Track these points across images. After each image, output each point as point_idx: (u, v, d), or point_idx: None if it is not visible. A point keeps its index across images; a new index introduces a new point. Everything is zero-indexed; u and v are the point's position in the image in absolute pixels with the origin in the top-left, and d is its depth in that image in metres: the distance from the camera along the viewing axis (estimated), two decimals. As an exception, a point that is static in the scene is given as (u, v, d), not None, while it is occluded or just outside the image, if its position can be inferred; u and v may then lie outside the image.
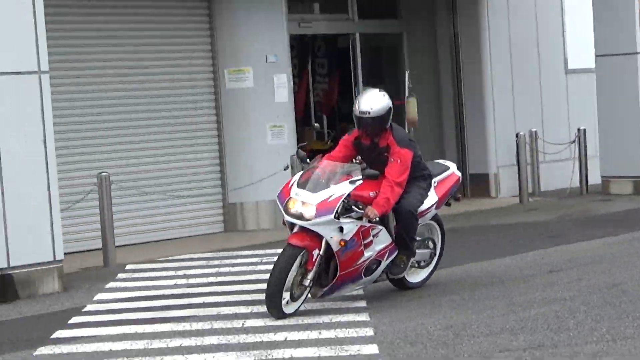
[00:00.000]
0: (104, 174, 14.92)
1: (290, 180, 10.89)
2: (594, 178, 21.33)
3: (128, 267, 14.49)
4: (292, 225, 10.65)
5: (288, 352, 8.99)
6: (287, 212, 10.54)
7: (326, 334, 9.85)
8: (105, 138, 16.79)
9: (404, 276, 11.74)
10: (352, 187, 10.50)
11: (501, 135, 21.51)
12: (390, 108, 11.00)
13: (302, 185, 10.62)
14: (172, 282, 13.56)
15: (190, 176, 18.00)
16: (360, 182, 10.54)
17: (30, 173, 12.82)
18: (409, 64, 21.79)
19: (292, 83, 19.13)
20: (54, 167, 13.14)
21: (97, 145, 16.64)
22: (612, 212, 18.03)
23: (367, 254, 10.87)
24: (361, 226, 10.66)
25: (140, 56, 17.44)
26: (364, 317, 10.67)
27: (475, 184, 21.70)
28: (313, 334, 9.92)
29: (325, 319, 10.58)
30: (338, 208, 10.34)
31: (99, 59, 16.85)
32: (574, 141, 21.63)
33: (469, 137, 21.75)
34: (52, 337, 10.52)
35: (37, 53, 12.95)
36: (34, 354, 9.82)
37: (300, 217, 10.43)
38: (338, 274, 10.60)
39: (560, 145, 21.84)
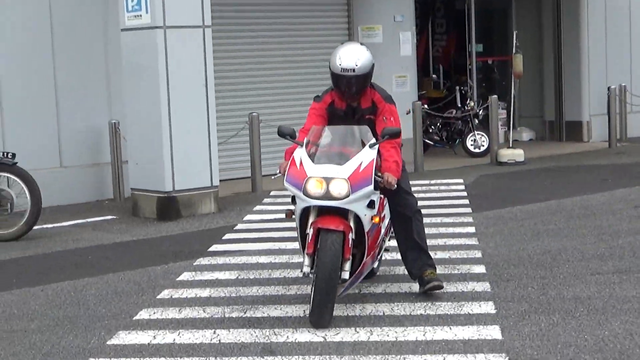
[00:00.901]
0: (254, 114, 14.90)
1: (288, 162, 7.60)
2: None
3: (272, 193, 14.47)
4: (305, 210, 7.40)
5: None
6: (309, 194, 7.22)
7: (440, 254, 9.68)
8: (255, 84, 16.74)
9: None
10: (375, 151, 7.50)
11: (594, 88, 21.05)
12: (373, 63, 7.87)
13: (318, 160, 7.43)
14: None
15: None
16: (376, 144, 7.54)
17: (193, 113, 12.85)
18: (517, 24, 21.39)
19: (415, 40, 18.87)
20: (213, 108, 13.17)
21: (248, 90, 16.60)
22: (691, 157, 17.47)
23: (383, 230, 8.13)
24: (381, 198, 7.85)
25: (286, 14, 17.29)
26: (473, 241, 10.49)
27: (570, 129, 21.27)
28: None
29: (440, 241, 10.41)
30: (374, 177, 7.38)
31: (252, 16, 16.76)
32: (658, 95, 21.11)
33: (566, 90, 21.30)
34: (209, 250, 10.58)
35: (202, 10, 12.95)
36: (194, 263, 9.88)
37: (330, 197, 7.21)
38: (365, 259, 7.57)
39: (646, 98, 21.38)
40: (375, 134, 7.68)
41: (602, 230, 10.77)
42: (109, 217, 13.20)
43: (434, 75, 22.70)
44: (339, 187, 7.20)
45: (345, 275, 7.22)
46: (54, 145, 14.35)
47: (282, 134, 7.64)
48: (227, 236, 11.41)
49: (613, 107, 19.78)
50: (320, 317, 7.06)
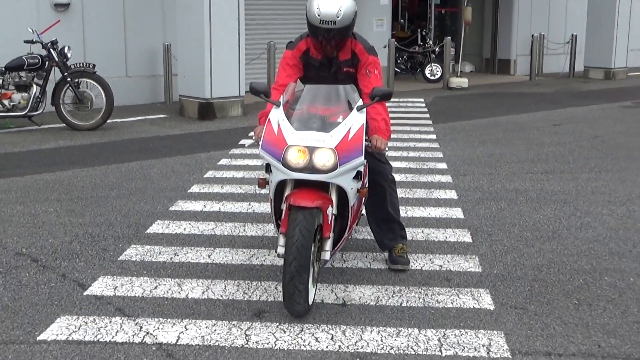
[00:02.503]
0: (271, 42, 14.53)
1: (263, 126, 4.87)
2: (579, 66, 20.49)
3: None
4: (281, 183, 4.74)
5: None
6: (289, 166, 4.54)
7: (412, 154, 9.54)
8: (275, 16, 16.18)
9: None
10: (364, 115, 4.79)
11: (520, 34, 20.87)
12: (356, 11, 5.08)
13: (300, 124, 4.69)
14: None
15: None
16: (364, 107, 4.81)
17: (227, 39, 12.50)
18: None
19: (390, -8, 18.40)
20: (243, 36, 12.80)
21: (269, 21, 16.06)
22: (590, 90, 17.26)
23: (364, 200, 5.39)
24: (365, 165, 5.06)
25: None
26: (435, 145, 10.33)
27: (501, 65, 21.13)
28: (396, 153, 9.63)
29: (411, 144, 10.25)
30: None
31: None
32: (568, 42, 20.80)
33: (499, 34, 21.13)
34: (239, 143, 10.37)
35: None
36: (229, 152, 9.69)
37: (313, 169, 4.53)
38: (346, 234, 4.93)
39: (558, 44, 21.04)
40: (358, 89, 5.12)
41: (530, 141, 10.61)
42: (162, 115, 12.93)
43: (401, 20, 22.42)
44: (325, 158, 4.54)
45: (326, 255, 4.63)
46: (122, 59, 14.01)
47: (255, 91, 4.84)
48: (251, 133, 11.17)
49: (535, 49, 19.48)
50: (293, 302, 4.45)
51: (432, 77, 18.57)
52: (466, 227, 6.44)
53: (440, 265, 5.49)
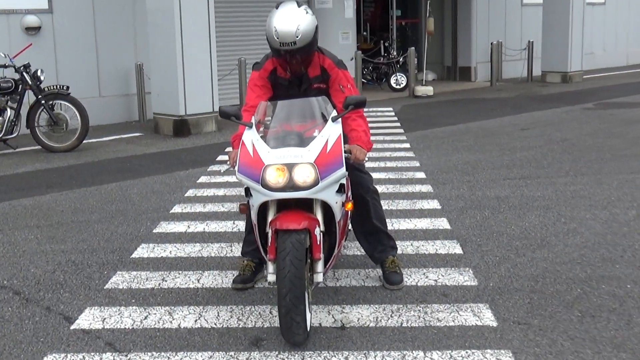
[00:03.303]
0: (241, 58, 14.14)
1: (237, 148, 4.45)
2: (536, 71, 20.37)
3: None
4: (263, 205, 4.28)
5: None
6: (269, 186, 4.13)
7: (390, 163, 9.21)
8: (244, 33, 15.77)
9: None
10: (340, 125, 4.40)
11: (479, 42, 20.64)
12: (316, 25, 4.70)
13: (275, 142, 4.30)
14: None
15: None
16: (339, 117, 4.42)
17: (200, 58, 12.12)
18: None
19: (355, 6, 18.00)
20: (215, 54, 12.41)
21: (239, 39, 15.64)
22: (550, 94, 17.08)
23: (349, 214, 4.84)
24: (347, 177, 4.52)
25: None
26: (410, 154, 10.01)
27: (462, 72, 20.90)
28: (374, 164, 9.30)
29: (387, 154, 9.92)
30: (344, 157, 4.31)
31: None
32: (525, 48, 20.68)
33: (459, 43, 20.88)
34: (217, 159, 9.97)
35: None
36: (208, 169, 9.28)
37: (294, 186, 4.13)
38: (335, 251, 4.50)
39: (516, 50, 20.93)
40: (333, 105, 4.75)
41: (502, 147, 10.35)
42: (137, 134, 12.47)
43: (364, 32, 22.12)
44: (304, 174, 4.13)
45: (319, 277, 4.19)
46: (95, 80, 13.51)
47: (225, 114, 4.46)
48: (228, 149, 10.77)
49: (494, 56, 19.29)
50: (292, 334, 4.05)
51: (398, 87, 18.31)
52: (454, 238, 6.11)
53: (435, 280, 5.15)
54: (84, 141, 11.01)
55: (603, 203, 7.15)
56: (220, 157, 10.03)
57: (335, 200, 4.30)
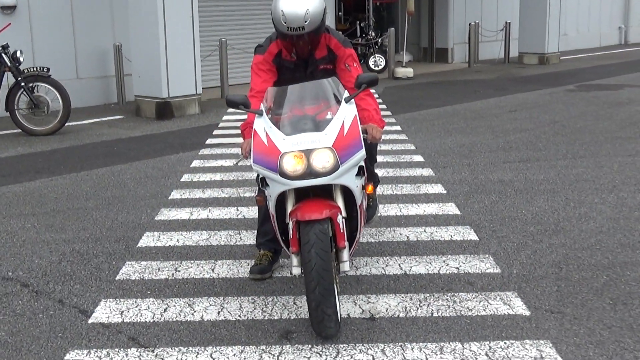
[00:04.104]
0: (223, 39, 13.87)
1: (249, 139, 4.31)
2: (513, 52, 20.40)
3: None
4: (280, 196, 4.09)
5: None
6: (287, 174, 3.92)
7: (385, 147, 9.08)
8: (226, 14, 15.49)
9: None
10: (354, 106, 4.26)
11: (456, 24, 20.61)
12: (325, 7, 4.52)
13: (290, 130, 4.05)
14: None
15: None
16: (352, 97, 4.26)
17: (182, 38, 11.84)
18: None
19: (332, -14, 17.84)
20: (197, 33, 12.15)
21: (221, 19, 15.34)
22: (530, 75, 17.11)
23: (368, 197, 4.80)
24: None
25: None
26: (403, 136, 9.91)
27: (439, 54, 20.85)
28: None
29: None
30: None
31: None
32: (502, 29, 20.69)
33: (436, 25, 20.81)
34: (206, 142, 9.78)
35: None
36: (199, 153, 9.09)
37: (314, 173, 3.93)
38: (357, 236, 4.29)
39: (492, 32, 20.94)
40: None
41: (494, 129, 10.29)
42: (118, 116, 12.18)
43: (339, 13, 21.90)
44: (324, 160, 3.93)
45: (345, 266, 4.02)
46: (72, 61, 13.15)
47: (232, 104, 4.28)
48: (215, 132, 10.59)
49: (472, 37, 19.27)
50: (323, 327, 3.92)
51: (376, 68, 18.16)
52: (467, 224, 6.02)
53: (457, 268, 5.06)
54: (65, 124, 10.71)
55: (608, 187, 7.11)
56: (210, 141, 9.83)
57: (355, 184, 4.12)
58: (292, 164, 3.95)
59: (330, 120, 4.11)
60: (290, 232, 4.01)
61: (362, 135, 4.15)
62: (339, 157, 3.97)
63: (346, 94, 4.32)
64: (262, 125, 4.14)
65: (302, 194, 4.10)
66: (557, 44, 19.88)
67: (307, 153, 3.95)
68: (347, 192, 4.16)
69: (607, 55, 22.17)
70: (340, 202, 4.11)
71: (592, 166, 7.97)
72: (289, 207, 4.09)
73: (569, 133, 9.84)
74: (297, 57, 4.72)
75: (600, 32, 26.14)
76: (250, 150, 4.16)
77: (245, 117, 4.73)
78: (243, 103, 4.28)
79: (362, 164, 4.19)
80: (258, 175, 4.23)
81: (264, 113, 4.19)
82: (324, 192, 4.11)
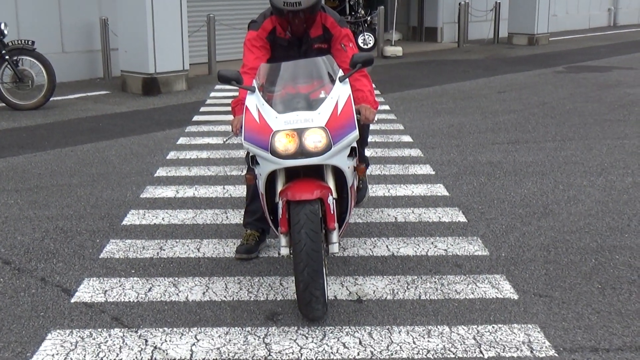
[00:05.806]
0: (211, 15, 13.72)
1: (240, 116, 4.26)
2: (503, 33, 20.31)
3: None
4: (270, 175, 4.03)
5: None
6: (279, 153, 3.86)
7: (373, 127, 8.98)
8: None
9: None
10: (349, 85, 4.18)
11: (446, 2, 20.42)
12: None
13: (282, 108, 3.98)
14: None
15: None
16: (346, 77, 4.18)
17: (170, 13, 11.68)
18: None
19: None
20: (185, 9, 11.99)
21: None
22: (519, 56, 17.03)
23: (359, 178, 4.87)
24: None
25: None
26: (392, 116, 9.84)
27: (428, 33, 20.74)
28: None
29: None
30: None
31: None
32: (492, 9, 20.59)
33: (426, 3, 20.67)
34: (192, 119, 9.67)
35: None
36: (185, 130, 8.99)
37: (306, 153, 3.86)
38: (347, 217, 4.24)
39: (482, 11, 20.85)
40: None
41: (483, 110, 10.23)
42: (104, 92, 12.02)
43: (329, -10, 21.76)
44: (316, 139, 3.86)
45: (334, 248, 3.95)
46: (57, 35, 12.96)
47: (225, 79, 4.20)
48: (202, 109, 10.47)
49: (462, 17, 19.15)
50: (311, 309, 3.86)
51: (365, 47, 18.02)
52: (455, 205, 5.97)
53: (445, 250, 5.01)
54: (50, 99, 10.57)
55: (597, 169, 7.08)
56: (197, 118, 9.73)
57: (347, 165, 4.06)
58: (284, 143, 3.88)
59: (324, 99, 4.04)
60: (280, 211, 3.94)
61: (356, 116, 4.08)
62: (332, 137, 3.90)
63: (341, 73, 4.25)
64: (254, 102, 4.06)
65: (293, 174, 4.04)
66: (547, 25, 19.81)
67: (300, 132, 3.88)
68: (338, 173, 4.10)
69: (596, 37, 22.12)
70: (331, 183, 4.05)
71: (581, 148, 7.93)
72: (279, 187, 4.03)
73: (557, 115, 9.80)
74: (291, 35, 4.65)
75: (589, 13, 26.07)
76: (241, 128, 4.08)
77: (235, 94, 4.64)
78: (235, 79, 4.20)
79: (355, 144, 4.12)
80: (248, 153, 4.16)
81: (257, 90, 4.11)
82: (315, 173, 4.04)
